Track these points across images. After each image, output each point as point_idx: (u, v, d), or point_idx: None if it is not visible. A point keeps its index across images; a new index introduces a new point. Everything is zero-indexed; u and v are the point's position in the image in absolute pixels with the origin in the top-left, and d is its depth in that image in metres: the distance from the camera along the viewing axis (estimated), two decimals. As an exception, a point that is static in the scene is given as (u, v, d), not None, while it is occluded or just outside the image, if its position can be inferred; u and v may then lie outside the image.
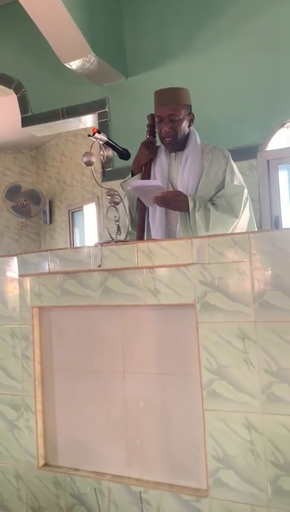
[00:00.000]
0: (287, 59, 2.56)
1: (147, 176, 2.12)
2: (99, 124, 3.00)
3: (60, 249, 1.70)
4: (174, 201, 1.99)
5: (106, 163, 2.87)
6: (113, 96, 2.94)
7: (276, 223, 2.45)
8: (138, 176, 2.16)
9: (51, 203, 5.93)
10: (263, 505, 1.36)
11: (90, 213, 5.12)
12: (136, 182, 2.00)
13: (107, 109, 2.97)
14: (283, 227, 2.48)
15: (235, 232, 1.98)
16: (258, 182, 2.53)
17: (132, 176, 2.18)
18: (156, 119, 2.11)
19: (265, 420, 1.37)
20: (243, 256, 1.41)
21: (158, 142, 2.20)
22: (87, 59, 2.61)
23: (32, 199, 5.72)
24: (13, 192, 5.67)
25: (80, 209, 5.31)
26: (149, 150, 2.13)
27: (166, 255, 1.51)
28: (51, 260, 1.72)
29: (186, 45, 2.80)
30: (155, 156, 2.17)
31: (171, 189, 2.09)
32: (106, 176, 2.89)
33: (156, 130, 2.14)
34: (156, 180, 2.02)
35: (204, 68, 2.76)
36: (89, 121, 3.21)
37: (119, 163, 2.36)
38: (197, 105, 2.75)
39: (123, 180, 1.72)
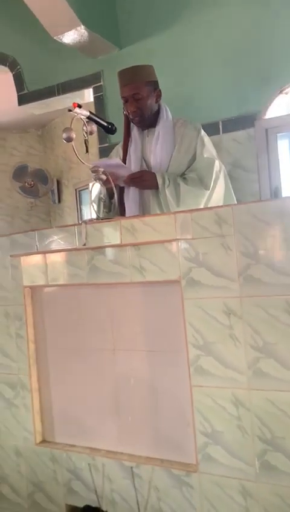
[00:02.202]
0: (284, 22, 2.43)
1: (125, 153, 2.11)
2: (95, 98, 2.93)
3: (46, 228, 1.69)
4: (141, 181, 1.98)
5: (101, 138, 2.82)
6: (107, 69, 2.85)
7: (275, 194, 2.37)
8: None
9: (58, 183, 5.90)
10: (251, 480, 1.35)
11: (96, 191, 5.08)
12: (97, 161, 1.98)
13: (102, 82, 2.90)
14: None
15: (209, 205, 1.96)
16: (256, 152, 2.44)
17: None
18: (122, 99, 2.09)
19: (252, 396, 1.35)
20: (227, 230, 1.37)
21: None
22: (78, 32, 2.53)
23: (39, 179, 5.69)
24: (20, 172, 5.65)
25: (87, 187, 5.27)
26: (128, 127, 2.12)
27: (149, 231, 1.48)
28: (38, 240, 1.71)
29: (179, 11, 2.68)
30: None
31: (145, 166, 2.07)
32: (102, 152, 2.85)
33: (124, 109, 2.11)
34: (116, 159, 1.99)
35: (199, 34, 2.64)
36: (86, 95, 3.14)
37: (117, 138, 2.30)
38: (192, 73, 2.67)
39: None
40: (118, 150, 2.22)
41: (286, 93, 2.45)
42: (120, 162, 1.97)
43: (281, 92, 2.44)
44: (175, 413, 1.52)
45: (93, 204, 1.77)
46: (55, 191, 5.85)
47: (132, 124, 2.15)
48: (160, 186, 1.95)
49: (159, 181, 1.95)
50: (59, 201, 5.94)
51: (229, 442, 1.39)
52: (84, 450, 1.69)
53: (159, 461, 1.53)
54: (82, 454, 1.68)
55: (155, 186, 1.98)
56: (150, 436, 1.57)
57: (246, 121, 2.48)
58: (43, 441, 1.80)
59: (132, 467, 1.56)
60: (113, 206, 1.79)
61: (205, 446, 1.43)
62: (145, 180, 1.98)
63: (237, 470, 1.38)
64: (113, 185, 1.74)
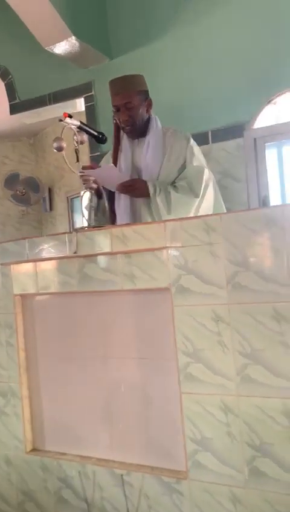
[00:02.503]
0: (272, 34, 2.48)
1: (115, 161, 2.13)
2: (86, 107, 2.96)
3: (36, 236, 1.70)
4: (133, 189, 2.00)
5: (92, 147, 2.85)
6: (99, 79, 2.89)
7: (264, 203, 2.41)
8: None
9: (50, 191, 5.91)
10: (240, 486, 1.36)
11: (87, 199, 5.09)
12: (90, 169, 1.99)
13: (93, 92, 2.93)
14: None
15: (199, 213, 1.99)
16: (245, 161, 2.48)
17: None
18: (113, 108, 2.11)
19: (240, 402, 1.36)
20: (215, 238, 1.39)
21: None
22: (69, 42, 2.56)
23: (31, 187, 5.70)
24: (12, 180, 5.66)
25: (79, 195, 5.29)
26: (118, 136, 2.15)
27: (140, 239, 1.50)
28: (29, 248, 1.72)
29: (169, 23, 2.73)
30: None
31: (136, 175, 2.09)
32: (93, 161, 2.86)
33: (115, 118, 2.14)
34: (110, 165, 2.00)
35: (188, 45, 2.69)
36: (78, 105, 3.17)
37: (108, 146, 2.33)
38: (183, 84, 2.72)
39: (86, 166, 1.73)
40: (108, 158, 2.24)
41: (274, 104, 2.50)
42: (112, 166, 1.98)
43: (269, 102, 2.49)
44: (165, 420, 1.53)
45: (84, 212, 1.79)
46: (47, 199, 5.86)
47: (121, 132, 2.18)
48: (151, 194, 1.98)
49: (150, 189, 1.98)
50: (51, 209, 5.95)
51: (219, 449, 1.40)
52: (74, 458, 1.69)
53: (150, 468, 1.54)
54: (73, 462, 1.68)
55: (146, 194, 2.00)
56: (140, 443, 1.57)
57: (235, 130, 2.52)
58: (34, 449, 1.80)
59: (122, 475, 1.56)
60: (102, 207, 1.80)
61: (194, 453, 1.43)
62: (136, 188, 2.00)
63: (227, 476, 1.38)
64: (101, 186, 1.75)
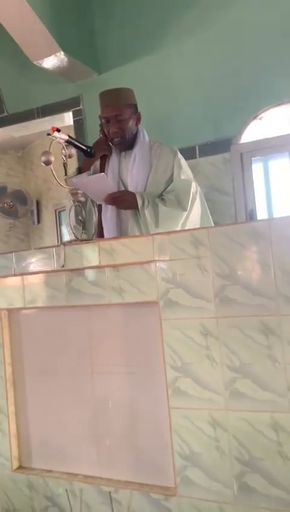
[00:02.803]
0: (258, 50, 2.54)
1: (103, 171, 2.14)
2: (74, 121, 2.98)
3: (23, 250, 1.68)
4: (121, 201, 2.01)
5: (81, 161, 2.84)
6: (86, 94, 2.91)
7: (251, 217, 2.43)
8: (86, 173, 2.17)
9: (38, 203, 5.89)
10: (229, 502, 1.35)
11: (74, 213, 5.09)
12: (80, 178, 1.99)
13: (81, 106, 2.95)
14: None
15: (186, 226, 2.00)
16: (232, 175, 2.50)
17: (79, 173, 2.18)
18: (102, 120, 2.13)
19: (229, 416, 1.36)
20: (203, 252, 1.40)
21: None
22: (57, 57, 2.59)
23: (18, 200, 5.68)
24: (-1, 193, 5.64)
25: (66, 208, 5.29)
26: (104, 149, 2.15)
27: (128, 252, 1.49)
28: (16, 262, 1.71)
29: (157, 39, 2.78)
30: (111, 152, 2.18)
31: (123, 188, 2.10)
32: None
33: (104, 130, 2.16)
34: (101, 174, 2.01)
35: (175, 61, 2.73)
36: (66, 119, 3.19)
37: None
38: (169, 99, 2.75)
39: (67, 176, 1.73)
40: (96, 165, 2.24)
41: (260, 119, 2.54)
42: (103, 174, 1.98)
43: (255, 117, 2.53)
44: (154, 435, 1.51)
45: (72, 226, 1.78)
46: (35, 211, 5.84)
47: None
48: (139, 206, 1.98)
49: (139, 202, 1.98)
50: (38, 221, 5.92)
51: (208, 464, 1.39)
52: (61, 475, 1.66)
53: (138, 485, 1.51)
54: (59, 480, 1.65)
55: (134, 207, 2.00)
56: (128, 459, 1.55)
57: (222, 145, 2.55)
58: (20, 467, 1.76)
59: (110, 492, 1.54)
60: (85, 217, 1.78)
61: (183, 469, 1.42)
62: (125, 200, 2.00)
63: (216, 492, 1.37)
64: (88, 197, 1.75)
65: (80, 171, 2.20)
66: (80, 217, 1.69)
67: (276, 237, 1.31)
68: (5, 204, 5.63)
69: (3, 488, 1.76)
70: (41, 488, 1.68)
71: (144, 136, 2.19)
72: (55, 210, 5.52)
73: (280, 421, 1.29)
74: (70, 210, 1.66)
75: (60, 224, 5.53)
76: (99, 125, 2.23)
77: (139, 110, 2.18)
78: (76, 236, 1.66)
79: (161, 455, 1.49)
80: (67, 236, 5.49)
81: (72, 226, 1.72)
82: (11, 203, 5.65)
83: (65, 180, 1.60)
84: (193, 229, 1.60)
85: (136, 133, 2.17)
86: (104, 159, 2.18)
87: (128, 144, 2.15)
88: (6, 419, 1.76)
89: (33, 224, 5.95)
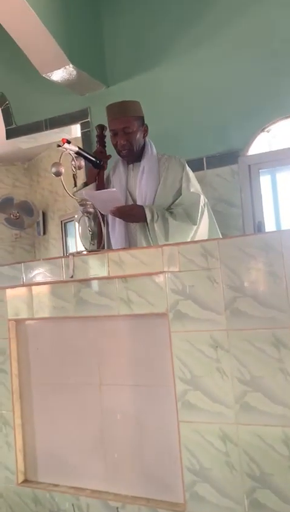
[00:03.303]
0: (267, 63, 2.55)
1: (100, 184, 2.15)
2: (82, 133, 3.00)
3: (32, 260, 1.68)
4: (130, 215, 2.02)
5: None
6: (95, 106, 2.94)
7: (259, 229, 2.42)
8: (92, 185, 2.18)
9: (44, 214, 5.92)
10: (240, 519, 1.32)
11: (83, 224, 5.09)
12: (90, 190, 2.00)
13: (89, 119, 2.98)
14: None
15: (195, 238, 2.00)
16: (240, 187, 2.51)
17: (85, 186, 2.19)
18: (110, 132, 2.14)
19: (240, 431, 1.34)
20: (213, 263, 1.39)
21: (113, 154, 2.23)
22: (66, 70, 2.61)
23: (24, 211, 5.71)
24: (5, 204, 5.66)
25: (72, 219, 5.30)
26: (100, 159, 2.15)
27: (137, 263, 1.49)
28: (24, 272, 1.70)
29: (165, 53, 2.80)
30: (106, 164, 2.20)
31: (130, 200, 2.11)
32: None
33: (112, 142, 2.17)
34: (112, 189, 2.02)
35: (183, 74, 2.76)
36: (73, 131, 3.21)
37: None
38: (177, 111, 2.77)
39: (77, 190, 1.74)
40: (109, 176, 2.24)
41: (268, 131, 2.55)
42: (114, 189, 1.99)
43: (263, 130, 2.54)
44: (162, 450, 1.49)
45: (81, 236, 1.79)
46: (41, 222, 5.86)
47: (117, 159, 2.20)
48: (148, 220, 1.98)
49: (148, 215, 1.98)
50: (44, 233, 5.94)
51: (218, 480, 1.36)
52: (68, 490, 1.63)
53: (146, 501, 1.49)
54: (66, 494, 1.62)
55: (143, 220, 2.00)
56: (136, 474, 1.53)
57: (229, 157, 2.56)
58: (25, 481, 1.74)
59: (117, 508, 1.51)
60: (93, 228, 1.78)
61: (193, 484, 1.39)
62: (134, 214, 2.01)
63: (226, 509, 1.34)
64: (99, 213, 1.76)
65: (86, 184, 2.21)
66: (89, 228, 1.69)
67: (287, 249, 1.30)
68: (11, 215, 5.66)
69: (9, 501, 1.73)
70: (47, 503, 1.65)
71: (152, 148, 2.20)
72: (61, 221, 5.54)
73: (292, 436, 1.27)
74: (79, 220, 1.66)
75: (66, 236, 5.55)
76: (96, 135, 2.26)
77: (146, 122, 2.19)
78: (84, 247, 1.65)
79: (170, 470, 1.46)
80: (72, 247, 5.51)
81: (80, 236, 1.71)
82: (17, 214, 5.68)
83: (75, 192, 1.60)
84: (203, 240, 1.60)
85: (144, 145, 2.18)
86: (102, 171, 2.18)
87: (136, 156, 2.16)
88: (12, 432, 1.74)
89: (39, 235, 5.97)
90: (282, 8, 2.54)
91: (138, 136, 2.12)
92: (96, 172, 2.13)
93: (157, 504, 1.46)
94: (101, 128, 2.22)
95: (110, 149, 2.23)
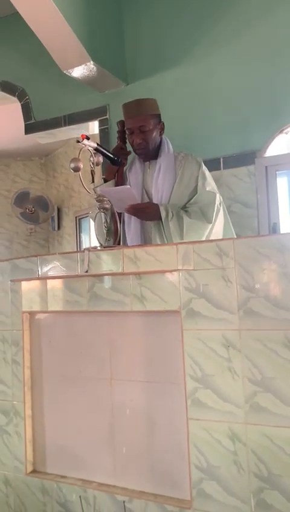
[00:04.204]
0: (287, 64, 2.54)
1: (119, 181, 2.16)
2: (100, 130, 3.02)
3: (48, 254, 1.70)
4: (145, 213, 2.02)
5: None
6: (113, 103, 2.95)
7: (274, 230, 2.41)
8: (111, 182, 2.19)
9: (59, 210, 5.97)
10: (246, 518, 1.33)
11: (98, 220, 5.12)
12: (106, 187, 2.01)
13: (108, 116, 2.99)
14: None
15: (210, 237, 2.00)
16: (256, 188, 2.50)
17: (104, 182, 2.20)
18: (126, 131, 2.16)
19: (249, 431, 1.34)
20: (227, 263, 1.39)
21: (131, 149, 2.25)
22: (87, 67, 2.63)
23: (40, 205, 5.76)
24: (22, 198, 5.72)
25: (87, 215, 5.33)
26: (120, 155, 2.15)
27: (151, 260, 1.50)
28: (40, 265, 1.73)
29: (186, 51, 2.80)
30: (126, 161, 2.21)
31: (146, 197, 2.12)
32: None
33: (128, 141, 2.18)
34: (126, 186, 2.03)
35: (203, 74, 2.75)
36: (91, 128, 3.23)
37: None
38: (196, 110, 2.77)
39: (96, 186, 1.76)
40: (126, 172, 2.26)
41: (286, 133, 2.53)
42: (128, 186, 2.00)
43: (281, 131, 2.52)
44: (171, 446, 1.50)
45: (96, 232, 1.80)
46: (56, 218, 5.91)
47: (132, 156, 2.21)
48: (163, 218, 1.98)
49: (163, 214, 1.99)
50: (58, 228, 5.99)
51: (225, 478, 1.37)
52: (75, 482, 1.65)
53: (153, 496, 1.50)
54: (73, 486, 1.64)
55: (157, 218, 2.01)
56: (144, 469, 1.54)
57: (246, 158, 2.55)
58: (34, 471, 1.76)
59: (124, 501, 1.53)
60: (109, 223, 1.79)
61: (199, 481, 1.40)
62: (149, 212, 2.01)
63: (232, 507, 1.35)
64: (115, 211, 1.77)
65: (105, 181, 2.22)
66: (104, 224, 1.70)
67: (303, 251, 1.30)
68: (27, 210, 5.72)
69: (17, 491, 1.76)
70: (54, 494, 1.68)
71: (169, 146, 2.20)
72: (76, 217, 5.58)
73: (301, 437, 1.27)
74: (95, 216, 1.67)
75: (80, 231, 5.58)
76: (117, 131, 2.27)
77: (164, 120, 2.20)
78: (100, 243, 1.67)
79: (178, 466, 1.47)
80: (86, 243, 5.54)
81: (96, 232, 1.73)
82: (33, 209, 5.73)
83: (94, 189, 1.62)
84: (218, 239, 1.60)
85: (160, 143, 2.18)
86: (122, 168, 2.19)
87: (152, 154, 2.17)
88: (22, 423, 1.76)
89: (53, 230, 6.02)
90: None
91: (154, 134, 2.13)
92: (116, 169, 2.14)
93: (164, 500, 1.47)
94: (122, 124, 2.23)
95: (130, 145, 2.25)
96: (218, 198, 2.07)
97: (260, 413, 1.32)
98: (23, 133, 3.37)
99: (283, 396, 1.29)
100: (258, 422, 1.33)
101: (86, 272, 1.58)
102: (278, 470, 1.29)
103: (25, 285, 1.79)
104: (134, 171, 2.21)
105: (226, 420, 1.37)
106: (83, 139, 1.64)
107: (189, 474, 1.42)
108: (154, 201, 2.10)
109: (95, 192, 1.64)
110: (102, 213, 1.68)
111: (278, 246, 1.33)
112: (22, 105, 3.33)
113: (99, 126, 3.03)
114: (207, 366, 1.41)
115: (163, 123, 2.19)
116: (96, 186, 1.68)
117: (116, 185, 2.14)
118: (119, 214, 2.06)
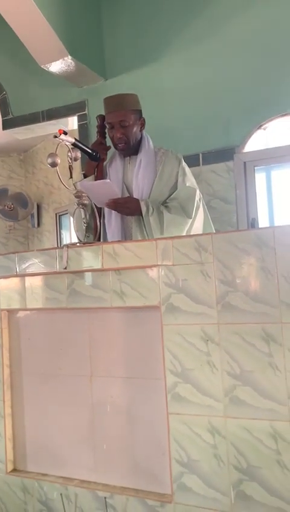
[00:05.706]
0: (265, 61, 2.56)
1: (100, 176, 2.15)
2: (79, 126, 2.99)
3: (26, 251, 1.68)
4: (125, 207, 2.02)
5: (84, 164, 2.86)
6: (92, 98, 2.93)
7: (253, 225, 2.44)
8: (91, 177, 2.18)
9: (39, 207, 5.90)
10: (226, 510, 1.34)
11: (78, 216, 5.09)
12: (85, 182, 2.00)
13: (86, 111, 2.97)
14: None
15: (190, 233, 2.01)
16: (235, 184, 2.52)
17: (84, 177, 2.19)
18: (107, 126, 2.15)
19: (228, 424, 1.35)
20: (206, 258, 1.40)
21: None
22: (65, 61, 2.60)
23: (19, 202, 5.68)
24: (0, 195, 5.64)
25: (67, 212, 5.29)
26: (99, 150, 2.15)
27: (131, 256, 1.50)
28: (18, 262, 1.71)
29: (164, 47, 2.80)
30: (106, 156, 2.20)
31: (127, 193, 2.11)
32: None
33: (108, 135, 2.17)
34: (107, 180, 2.02)
35: (182, 69, 2.76)
36: (70, 123, 3.21)
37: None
38: (175, 106, 2.77)
39: (75, 181, 1.75)
40: (106, 167, 2.25)
41: (265, 129, 2.56)
42: (107, 180, 1.99)
43: (259, 127, 2.55)
44: (151, 441, 1.50)
45: (75, 228, 1.79)
46: (35, 214, 5.84)
47: (114, 151, 2.20)
48: (144, 213, 1.98)
49: (143, 209, 1.99)
50: (38, 225, 5.93)
51: (205, 472, 1.38)
52: (56, 480, 1.64)
53: (134, 491, 1.50)
54: (54, 484, 1.63)
55: (138, 213, 2.01)
56: (125, 465, 1.54)
57: (225, 154, 2.57)
58: (14, 470, 1.75)
59: (105, 498, 1.53)
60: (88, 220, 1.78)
61: (180, 475, 1.41)
62: (129, 207, 2.01)
63: (213, 500, 1.36)
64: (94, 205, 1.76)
65: (84, 176, 2.21)
66: (83, 220, 1.69)
67: (280, 245, 1.31)
68: (6, 207, 5.64)
69: (-3, 490, 1.74)
70: (35, 492, 1.66)
71: (149, 142, 2.20)
72: (56, 214, 5.53)
73: (280, 429, 1.29)
74: (74, 212, 1.66)
75: (60, 228, 5.54)
76: (97, 126, 2.26)
77: (144, 116, 2.20)
78: (78, 239, 1.65)
79: (158, 461, 1.48)
80: (67, 240, 5.50)
81: (75, 228, 1.72)
82: (12, 206, 5.65)
83: (74, 184, 1.60)
84: (197, 234, 1.61)
85: (141, 138, 2.18)
86: (101, 163, 2.18)
87: (132, 149, 2.16)
88: (2, 421, 1.75)
89: (33, 227, 5.96)
90: (283, 6, 2.55)
91: (134, 129, 2.12)
92: (96, 164, 2.13)
93: (145, 494, 1.48)
94: (102, 119, 2.21)
95: (110, 140, 2.23)
96: (198, 193, 2.08)
97: (239, 407, 1.34)
98: (1, 128, 3.32)
99: (261, 389, 1.31)
100: (237, 416, 1.34)
101: (65, 268, 1.56)
102: (257, 461, 1.31)
103: (3, 282, 1.77)
104: (114, 166, 2.20)
105: (206, 414, 1.38)
106: (60, 134, 1.62)
107: (170, 469, 1.43)
108: (135, 196, 2.10)
109: (75, 187, 1.62)
110: (81, 209, 1.67)
111: (256, 240, 1.34)
112: (-1, 100, 3.28)
113: (78, 121, 3.01)
114: (187, 360, 1.41)
115: (144, 119, 2.19)
116: (76, 182, 1.67)
117: (96, 179, 2.13)
118: (99, 210, 2.05)
